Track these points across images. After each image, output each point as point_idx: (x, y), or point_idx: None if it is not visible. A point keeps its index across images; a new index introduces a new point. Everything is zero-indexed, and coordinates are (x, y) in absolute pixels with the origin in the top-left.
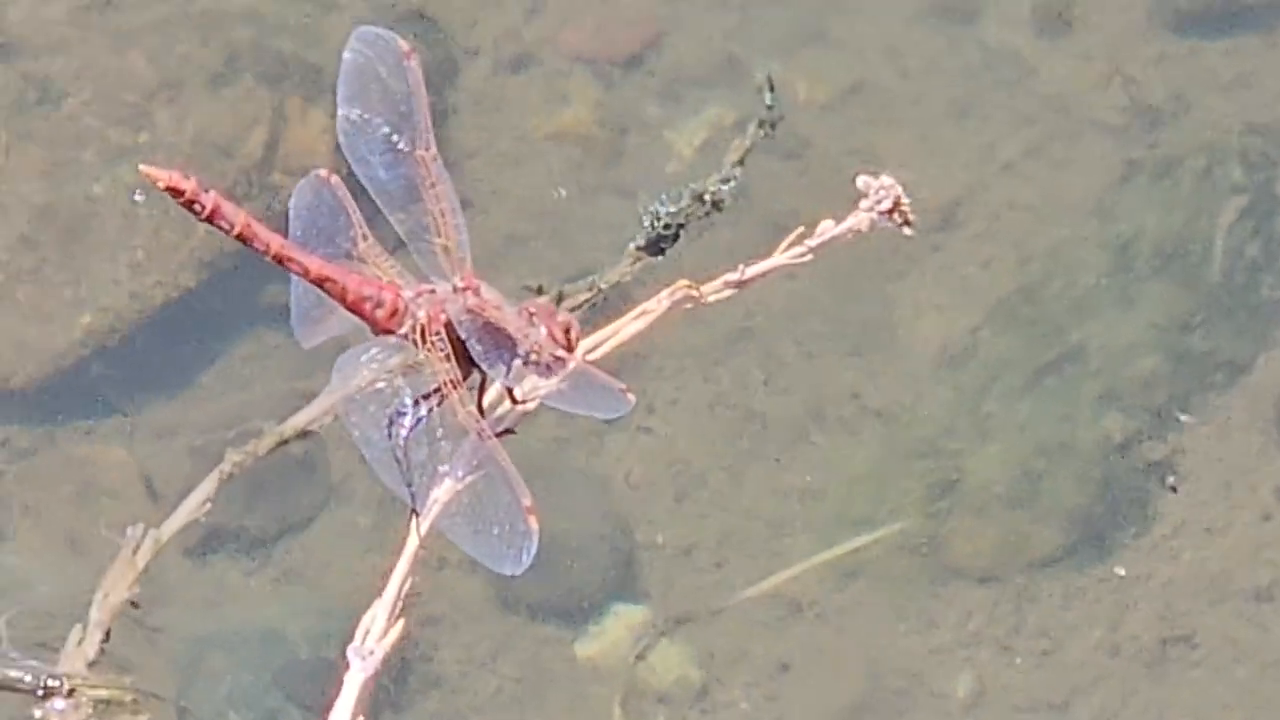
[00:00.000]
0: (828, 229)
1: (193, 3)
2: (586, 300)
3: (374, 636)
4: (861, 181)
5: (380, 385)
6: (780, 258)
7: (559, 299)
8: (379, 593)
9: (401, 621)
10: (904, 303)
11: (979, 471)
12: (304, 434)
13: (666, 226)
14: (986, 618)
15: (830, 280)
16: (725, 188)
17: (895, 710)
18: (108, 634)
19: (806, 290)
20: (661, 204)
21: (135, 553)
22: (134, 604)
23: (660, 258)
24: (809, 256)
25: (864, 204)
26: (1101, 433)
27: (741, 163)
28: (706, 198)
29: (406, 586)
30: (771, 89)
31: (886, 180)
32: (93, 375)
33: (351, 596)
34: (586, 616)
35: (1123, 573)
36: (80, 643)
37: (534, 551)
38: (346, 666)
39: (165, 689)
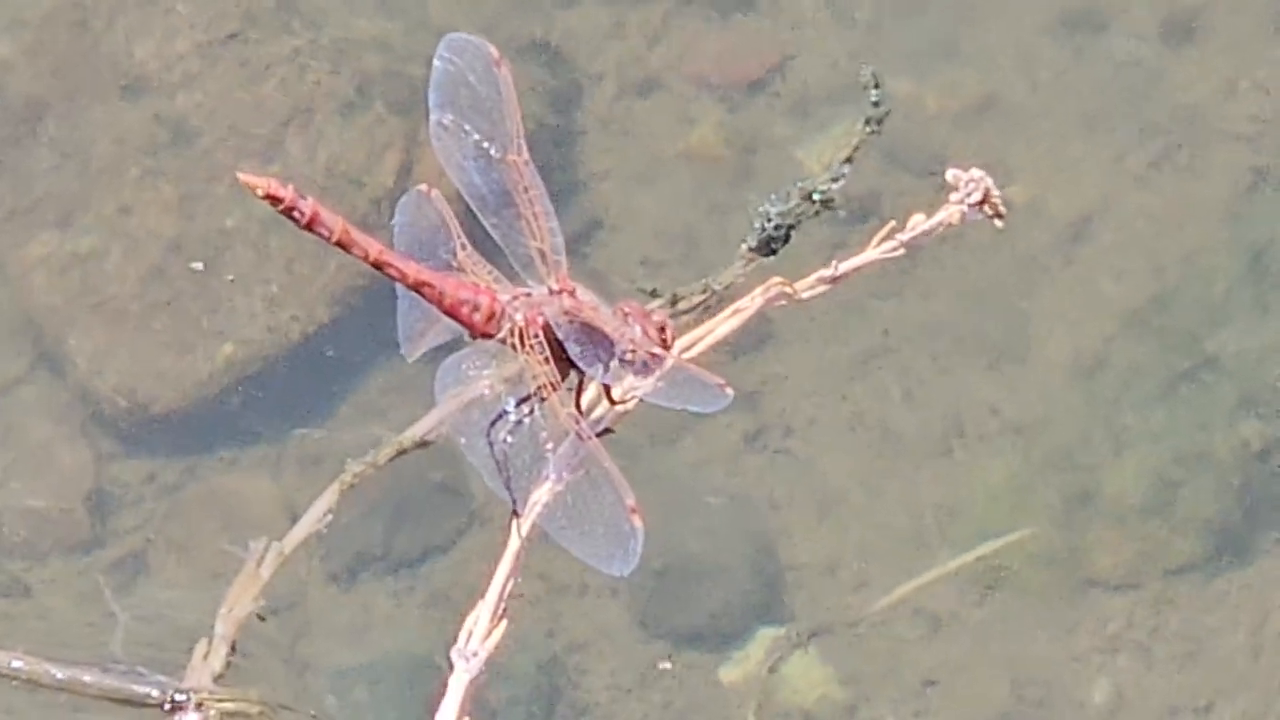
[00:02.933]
0: (919, 223)
1: (322, 31)
2: (700, 302)
3: (477, 638)
4: (951, 174)
5: (482, 390)
6: (873, 252)
7: (674, 302)
8: (482, 595)
9: (505, 623)
10: (1038, 316)
11: (1116, 482)
12: (422, 443)
13: (777, 227)
14: (1125, 623)
15: (964, 295)
16: (835, 186)
17: None
18: (233, 647)
19: (941, 306)
20: (771, 204)
21: (259, 565)
22: (260, 617)
23: (772, 258)
24: (901, 251)
25: (954, 197)
26: (1239, 440)
27: (850, 160)
28: (816, 196)
29: (509, 588)
30: (877, 85)
31: (976, 173)
32: (234, 406)
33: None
34: (730, 641)
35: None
36: (206, 657)
37: (639, 551)
38: (451, 669)
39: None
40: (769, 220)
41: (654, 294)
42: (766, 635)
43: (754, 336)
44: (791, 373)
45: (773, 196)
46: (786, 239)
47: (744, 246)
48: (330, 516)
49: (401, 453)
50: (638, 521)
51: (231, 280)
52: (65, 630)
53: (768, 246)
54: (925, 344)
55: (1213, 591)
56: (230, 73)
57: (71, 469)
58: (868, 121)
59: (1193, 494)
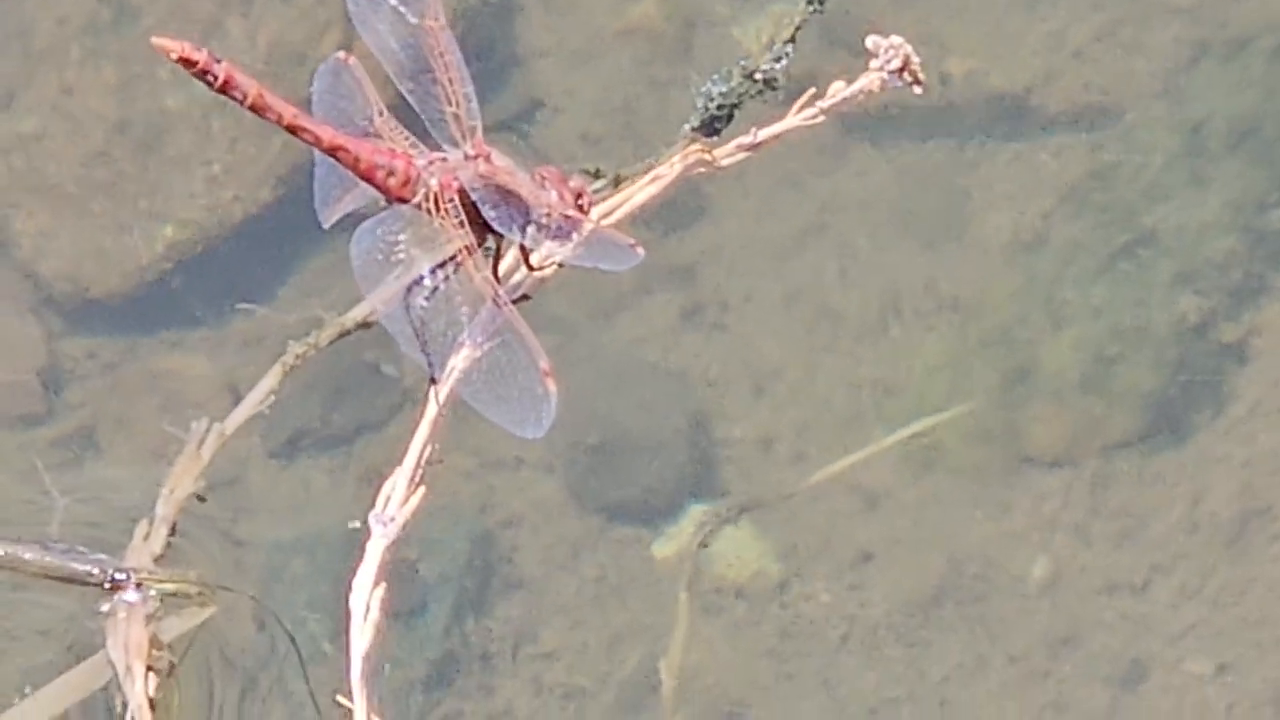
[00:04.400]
0: (839, 90)
1: None
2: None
3: (395, 504)
4: (871, 42)
5: (397, 255)
6: (793, 119)
7: (617, 183)
8: (400, 460)
9: (422, 489)
10: (976, 192)
11: (1053, 359)
12: (365, 325)
13: (720, 106)
14: (1062, 501)
15: (902, 172)
16: (778, 66)
17: (975, 595)
18: (173, 528)
19: (878, 184)
20: (714, 84)
21: (200, 446)
22: (200, 498)
23: (715, 138)
24: (821, 118)
25: (874, 64)
26: (1176, 315)
27: (793, 40)
28: (758, 76)
29: (427, 454)
30: None
31: (895, 40)
32: (175, 287)
33: (431, 497)
34: (664, 516)
35: None
36: (147, 538)
37: (553, 414)
38: (368, 534)
39: (244, 589)
40: (711, 100)
41: (597, 174)
42: (699, 511)
43: (688, 212)
44: (727, 248)
45: (715, 77)
46: (729, 118)
47: (687, 126)
48: (272, 398)
49: (344, 334)
50: (551, 385)
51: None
52: (6, 507)
53: (711, 126)
54: (862, 220)
55: (1150, 468)
56: None
57: (22, 345)
58: (809, 2)
59: (1130, 370)
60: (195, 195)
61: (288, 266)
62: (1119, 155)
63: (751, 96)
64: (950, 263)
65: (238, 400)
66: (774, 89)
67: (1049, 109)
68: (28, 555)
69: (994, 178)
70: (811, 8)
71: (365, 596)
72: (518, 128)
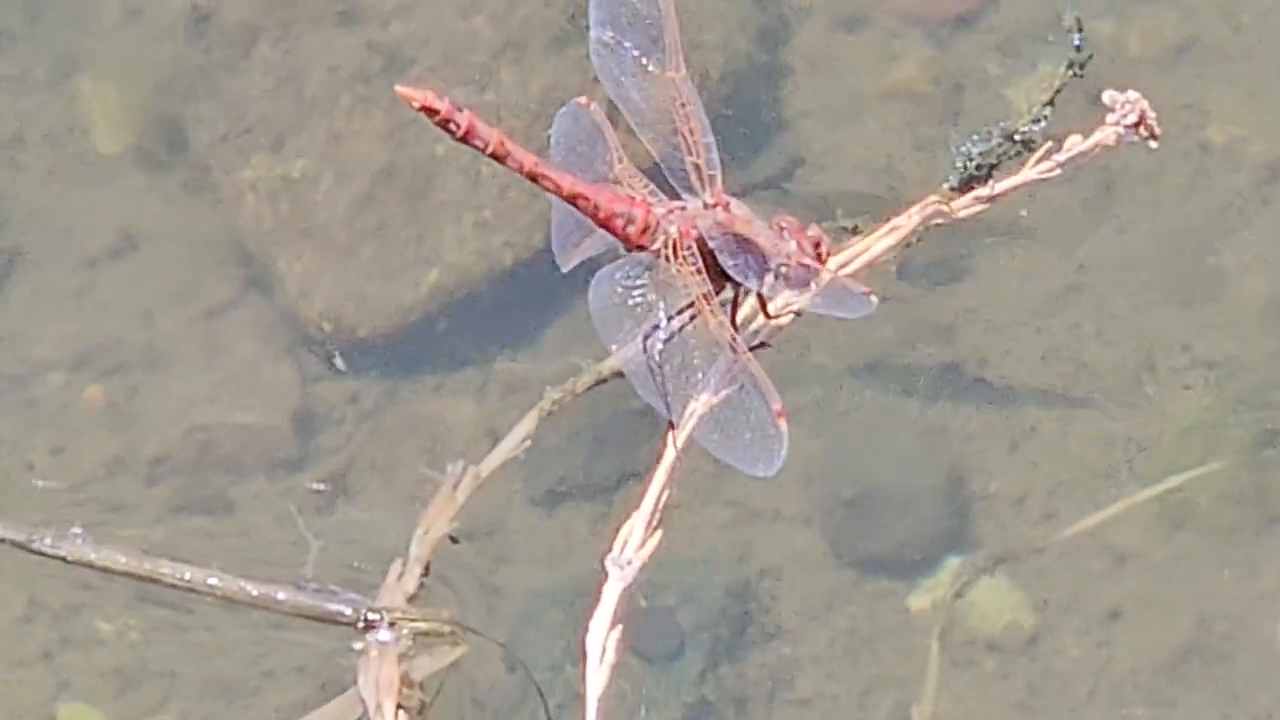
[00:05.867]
0: (1075, 144)
1: None
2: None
3: (632, 547)
4: (1108, 96)
5: (635, 301)
6: (1029, 173)
7: (854, 231)
8: (637, 505)
9: (659, 532)
10: (1233, 256)
11: None
12: (621, 373)
13: (979, 166)
14: None
15: (1161, 234)
16: (1036, 127)
17: (1222, 655)
18: (427, 569)
19: (1137, 244)
20: (973, 144)
21: (455, 489)
22: (453, 539)
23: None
24: (1058, 171)
25: (1110, 118)
26: None
27: (1051, 103)
28: (1017, 137)
29: (664, 498)
30: (1080, 30)
31: (1132, 95)
32: (440, 331)
33: (690, 547)
34: (919, 569)
35: None
36: (400, 578)
37: (784, 454)
38: (605, 577)
39: (498, 635)
40: (970, 160)
41: (855, 231)
42: (954, 564)
43: (951, 270)
44: (987, 306)
45: (974, 137)
46: (987, 178)
47: (945, 185)
48: (528, 443)
49: (600, 381)
50: (784, 425)
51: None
52: (266, 549)
53: (969, 185)
54: (1120, 281)
55: None
56: (444, 2)
57: (278, 389)
58: (1070, 65)
59: None
60: (464, 240)
61: (554, 313)
62: None
63: (1010, 157)
64: (1206, 324)
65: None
66: (1031, 149)
67: None
68: (282, 595)
69: (1251, 241)
70: (1071, 72)
71: (602, 639)
72: (779, 185)
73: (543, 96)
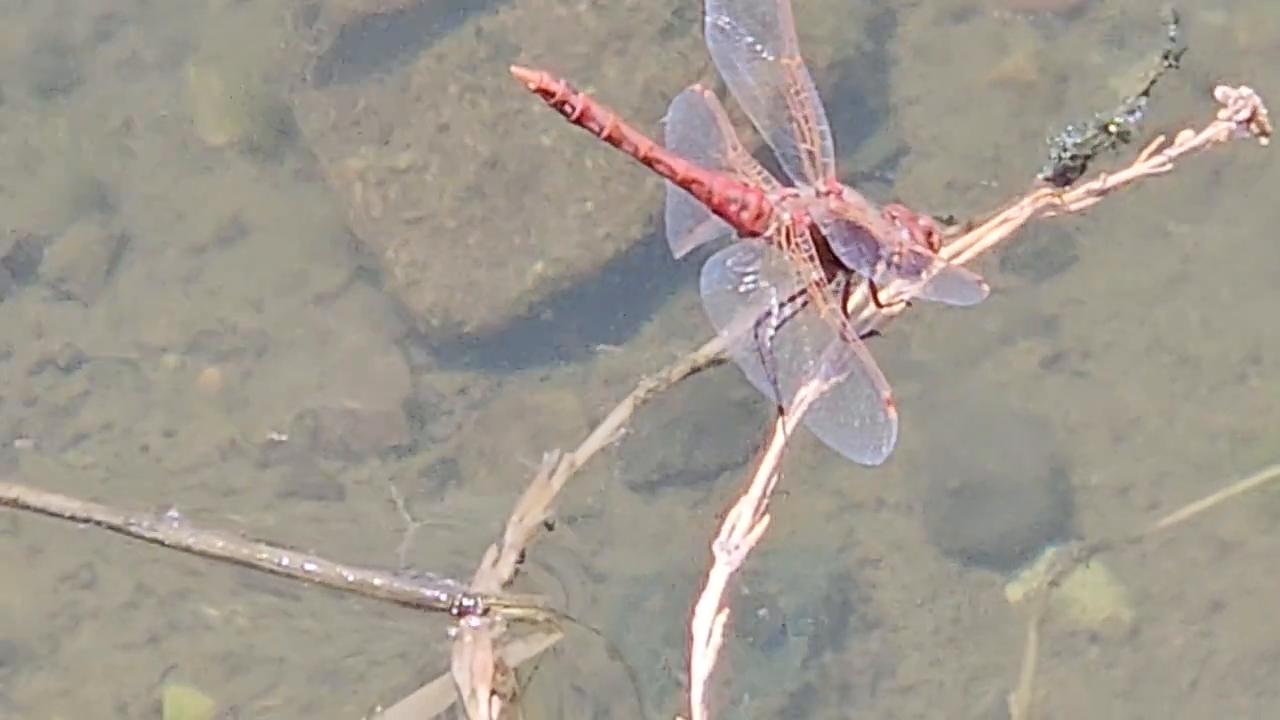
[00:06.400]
0: (1187, 139)
1: None
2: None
3: (739, 533)
4: (1220, 92)
5: (747, 287)
6: (1141, 166)
7: (969, 228)
8: (745, 490)
9: (767, 518)
10: None
11: None
12: (716, 361)
13: (1074, 157)
14: None
15: (1267, 223)
16: (1131, 119)
17: None
18: (522, 555)
19: (1243, 234)
20: (1068, 135)
21: (551, 476)
22: (548, 526)
23: (1067, 186)
24: (1169, 166)
25: (1222, 114)
26: None
27: (1146, 94)
28: (1112, 128)
29: (773, 484)
30: (1176, 22)
31: (1245, 91)
32: (545, 322)
33: (792, 538)
34: (1020, 560)
35: None
36: (495, 564)
37: (893, 441)
38: (712, 561)
39: (599, 621)
40: (1065, 150)
41: (950, 220)
42: (1052, 553)
43: (1057, 261)
44: (1091, 297)
45: (1069, 128)
46: (1082, 169)
47: (1040, 176)
48: (623, 431)
49: (695, 370)
50: (893, 413)
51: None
52: (374, 534)
53: (1064, 176)
54: (1226, 271)
55: None
56: None
57: (387, 377)
58: (1165, 56)
59: None
60: (569, 232)
61: (655, 304)
62: None
63: (1105, 148)
64: None
65: None
66: (1126, 140)
67: None
68: (378, 581)
69: None
70: (1167, 63)
71: (708, 622)
72: (884, 174)
73: (645, 89)
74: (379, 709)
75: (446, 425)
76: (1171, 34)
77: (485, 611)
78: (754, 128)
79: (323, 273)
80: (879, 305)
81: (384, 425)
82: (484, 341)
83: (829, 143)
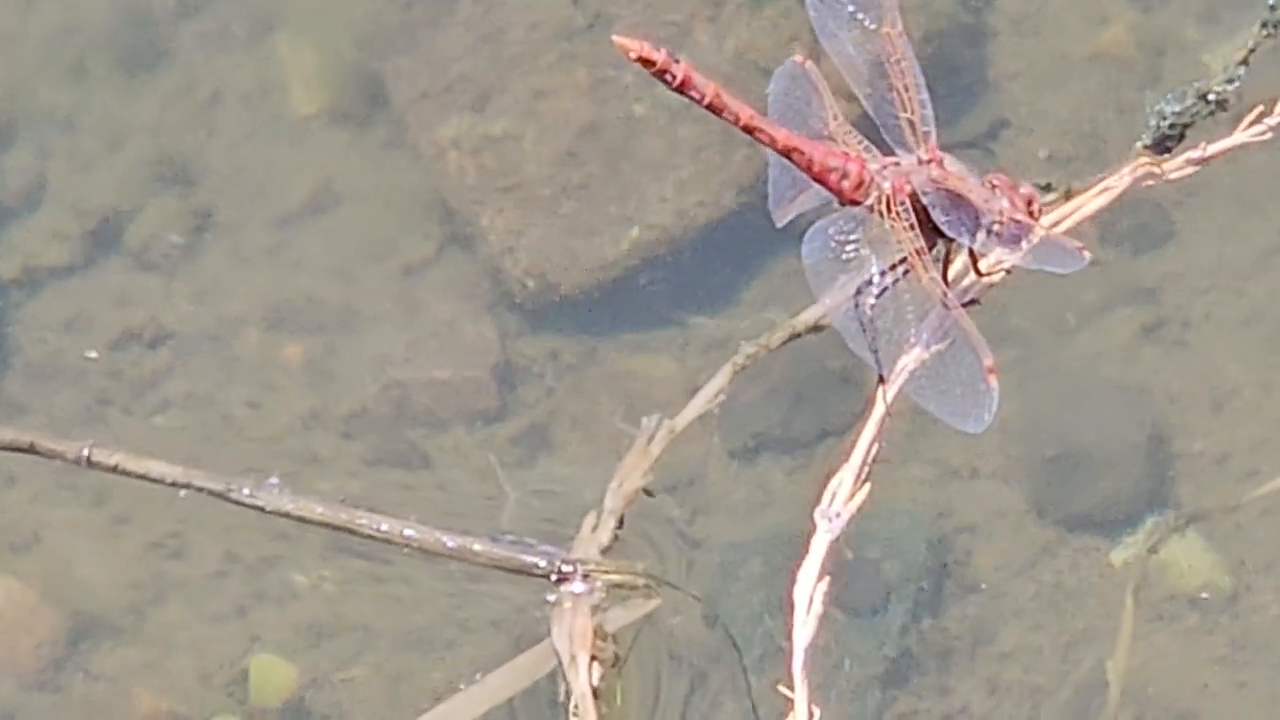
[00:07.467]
0: None
1: None
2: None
3: (840, 500)
4: None
5: (848, 255)
6: (1241, 135)
7: (1068, 195)
8: (846, 457)
9: (867, 486)
10: None
11: None
12: (816, 328)
13: (1172, 126)
14: None
15: None
16: (1229, 87)
17: None
18: (621, 521)
19: None
20: (1168, 103)
21: (650, 442)
22: (648, 492)
23: (1166, 155)
24: (1269, 135)
25: None
26: None
27: (1245, 62)
28: (1211, 97)
29: (874, 452)
30: None
31: None
32: (640, 288)
33: (889, 501)
34: (1121, 527)
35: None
36: (594, 530)
37: (995, 409)
38: (814, 528)
39: (697, 587)
40: (1164, 119)
41: (1049, 188)
42: (1151, 521)
43: (1156, 234)
44: (1190, 269)
45: (1169, 96)
46: (1181, 138)
47: (1139, 144)
48: (722, 397)
49: (794, 336)
50: (994, 381)
51: None
52: (462, 502)
53: (1162, 145)
54: None
55: None
56: None
57: (478, 345)
58: (1264, 25)
59: None
60: (665, 199)
61: (750, 272)
62: None
63: (1204, 116)
64: None
65: None
66: (1224, 109)
67: None
68: (477, 547)
69: None
70: (1265, 32)
71: (809, 589)
72: (984, 146)
73: (736, 58)
74: (478, 675)
75: (537, 390)
76: (1271, 2)
77: (585, 577)
78: (853, 98)
79: (413, 243)
80: (979, 274)
81: (473, 392)
82: (578, 306)
83: (929, 111)
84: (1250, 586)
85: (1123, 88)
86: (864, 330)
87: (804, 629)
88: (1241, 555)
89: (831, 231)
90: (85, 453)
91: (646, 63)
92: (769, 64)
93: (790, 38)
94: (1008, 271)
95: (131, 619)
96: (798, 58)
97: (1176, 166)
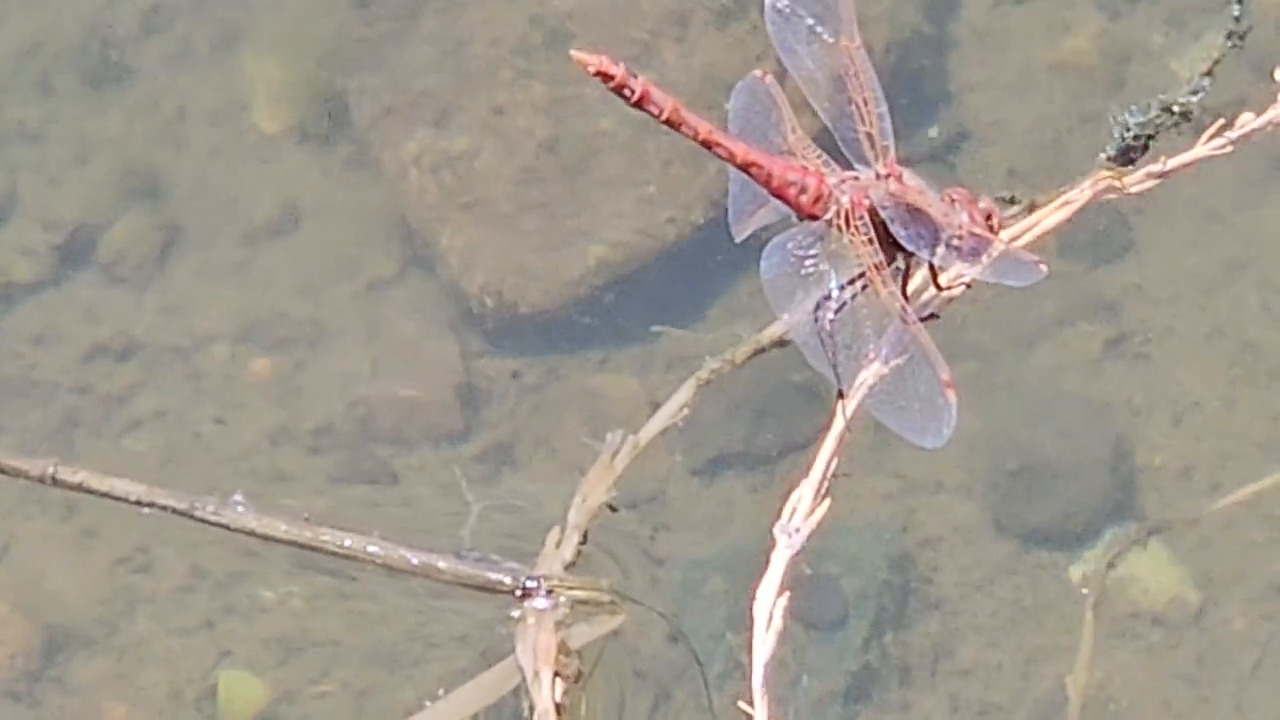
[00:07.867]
0: (1248, 121)
1: None
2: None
3: (800, 516)
4: None
5: (807, 270)
6: (1201, 149)
7: (1030, 209)
8: (806, 472)
9: (828, 501)
10: None
11: None
12: (780, 342)
13: (1136, 137)
14: None
15: None
16: (1194, 99)
17: None
18: (585, 537)
19: None
20: (1131, 115)
21: (614, 457)
22: (611, 508)
23: (1130, 168)
24: (1229, 149)
25: None
26: None
27: (1210, 74)
28: (1175, 108)
29: (833, 467)
30: (1240, 1)
31: None
32: (605, 305)
33: (851, 515)
34: (1082, 541)
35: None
36: (558, 545)
37: (953, 424)
38: (773, 544)
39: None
40: (1128, 130)
41: (1012, 201)
42: (1110, 534)
43: (1115, 247)
44: (1151, 282)
45: (1133, 108)
46: (1145, 149)
47: (1102, 156)
48: (686, 411)
49: (759, 351)
50: (952, 396)
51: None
52: (428, 518)
53: (1126, 156)
54: None
55: None
56: None
57: (440, 363)
58: (1229, 36)
59: None
60: (625, 216)
61: (717, 288)
62: None
63: (1168, 128)
64: None
65: None
66: (1189, 120)
67: None
68: (442, 564)
69: None
70: (1230, 43)
71: (769, 605)
72: (943, 159)
73: (703, 74)
74: (441, 691)
75: (500, 410)
76: (1235, 12)
77: (549, 593)
78: (814, 112)
79: (376, 260)
80: (939, 288)
81: (437, 411)
82: (540, 325)
83: (888, 125)
84: (1215, 601)
85: (1086, 97)
86: (823, 345)
87: (763, 645)
88: (1206, 570)
89: (790, 246)
90: (50, 471)
91: (605, 77)
92: (736, 81)
93: (757, 55)
94: (968, 286)
95: (103, 631)
96: (758, 72)
97: (1137, 180)
